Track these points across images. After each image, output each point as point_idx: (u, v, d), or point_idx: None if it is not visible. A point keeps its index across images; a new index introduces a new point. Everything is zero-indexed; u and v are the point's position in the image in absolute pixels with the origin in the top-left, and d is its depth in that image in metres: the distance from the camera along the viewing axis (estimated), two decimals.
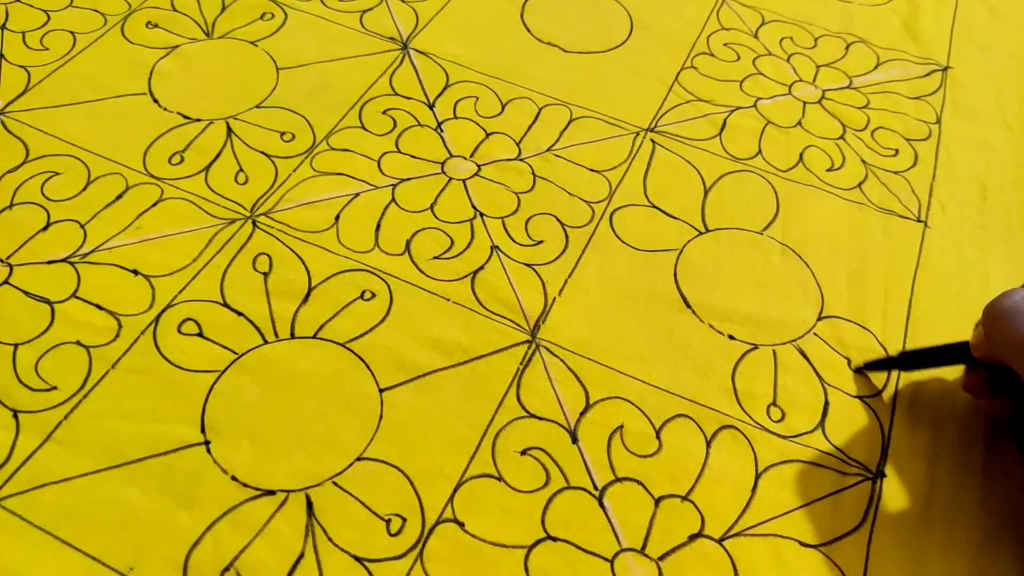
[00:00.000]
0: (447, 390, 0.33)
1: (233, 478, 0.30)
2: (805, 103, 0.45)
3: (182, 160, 0.39)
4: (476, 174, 0.40)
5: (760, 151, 0.43)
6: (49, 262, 0.35)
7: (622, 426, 0.32)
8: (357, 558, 0.28)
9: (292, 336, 0.34)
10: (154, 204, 0.37)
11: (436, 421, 0.32)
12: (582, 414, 0.32)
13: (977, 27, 0.51)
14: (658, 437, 0.32)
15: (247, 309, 0.34)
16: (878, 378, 0.34)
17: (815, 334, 0.35)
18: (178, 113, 0.41)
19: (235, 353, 0.33)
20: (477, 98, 0.43)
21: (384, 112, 0.42)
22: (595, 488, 0.30)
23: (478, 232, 0.38)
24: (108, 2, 0.46)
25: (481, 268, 0.36)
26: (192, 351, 0.33)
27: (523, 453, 0.31)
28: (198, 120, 0.41)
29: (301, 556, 0.28)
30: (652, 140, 0.42)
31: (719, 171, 0.41)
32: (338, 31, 0.46)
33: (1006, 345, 0.27)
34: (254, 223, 0.37)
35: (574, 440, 0.32)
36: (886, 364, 0.34)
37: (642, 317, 0.35)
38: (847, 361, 0.35)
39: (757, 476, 0.31)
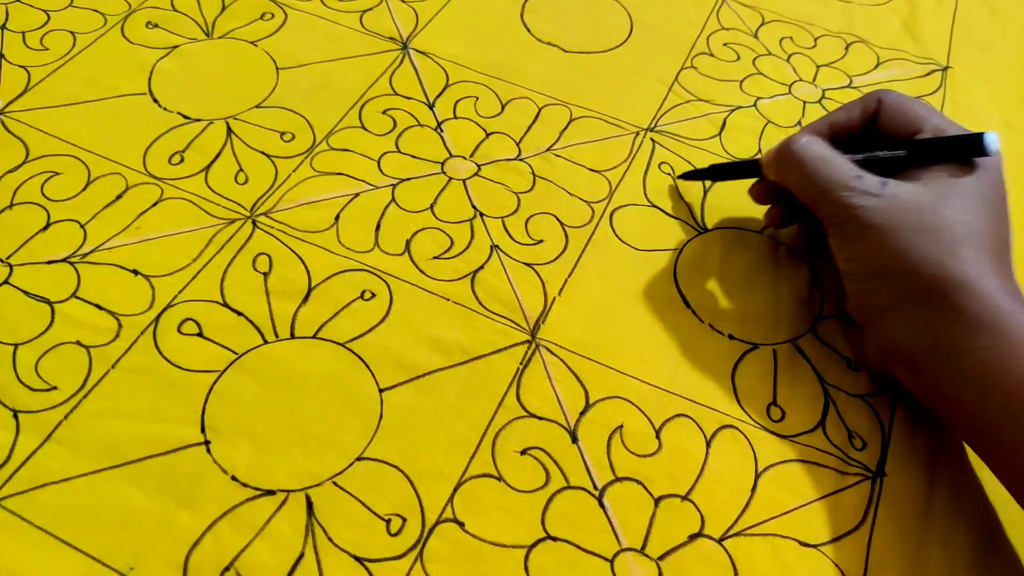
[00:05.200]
0: (447, 390, 0.33)
1: (233, 478, 0.30)
2: (805, 103, 0.45)
3: (182, 160, 0.39)
4: (476, 174, 0.40)
5: (760, 151, 0.43)
6: (49, 262, 0.35)
7: (622, 426, 0.32)
8: (357, 558, 0.28)
9: (292, 336, 0.34)
10: (154, 204, 0.37)
11: (436, 421, 0.32)
12: (582, 414, 0.32)
13: (977, 27, 0.51)
14: (658, 437, 0.32)
15: (247, 309, 0.34)
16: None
17: (815, 334, 0.36)
18: (178, 113, 0.41)
19: (235, 353, 0.33)
20: (477, 98, 0.43)
21: (384, 112, 0.42)
22: (595, 488, 0.30)
23: (478, 232, 0.38)
24: (108, 2, 0.46)
25: (481, 268, 0.36)
26: (192, 351, 0.33)
27: (523, 453, 0.31)
28: (198, 120, 0.41)
29: (301, 556, 0.28)
30: (652, 140, 0.42)
31: None
32: (338, 31, 0.46)
33: (792, 183, 0.34)
34: (254, 223, 0.37)
35: (574, 440, 0.32)
36: (699, 174, 0.40)
37: (642, 317, 0.35)
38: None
39: (757, 476, 0.31)
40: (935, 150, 0.32)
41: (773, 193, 0.37)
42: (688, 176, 0.40)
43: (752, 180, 0.38)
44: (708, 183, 0.41)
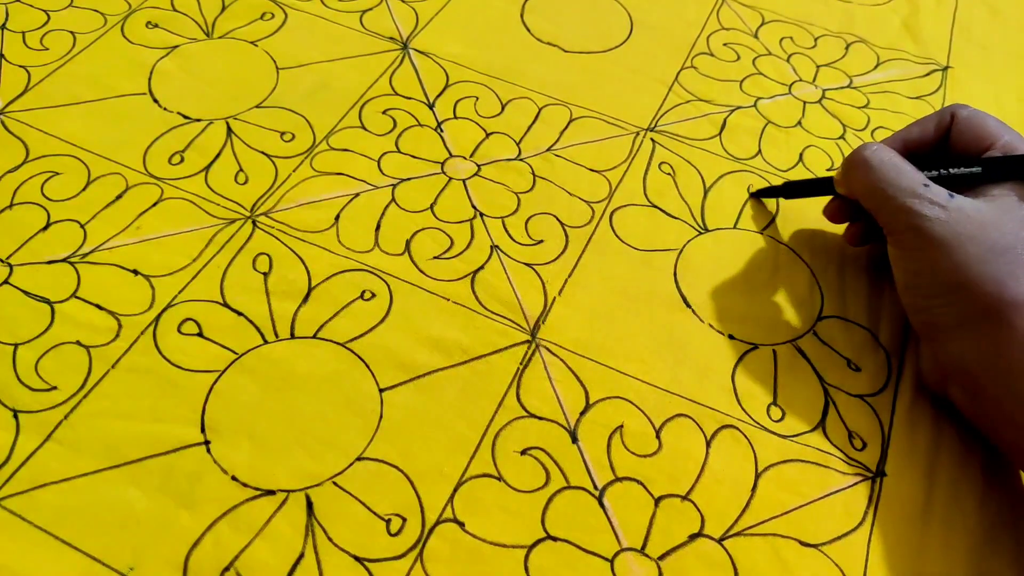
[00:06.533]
0: (447, 390, 0.33)
1: (233, 478, 0.30)
2: (805, 103, 0.45)
3: (182, 160, 0.39)
4: (476, 174, 0.40)
5: (760, 151, 0.43)
6: (49, 262, 0.35)
7: (622, 426, 0.32)
8: (357, 558, 0.28)
9: (292, 336, 0.34)
10: (154, 204, 0.37)
11: (436, 421, 0.32)
12: (582, 414, 0.32)
13: (977, 27, 0.51)
14: (658, 437, 0.32)
15: (247, 309, 0.34)
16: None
17: (815, 334, 0.36)
18: (178, 113, 0.41)
19: (235, 353, 0.33)
20: (477, 98, 0.43)
21: (384, 112, 0.42)
22: (595, 488, 0.31)
23: (478, 232, 0.38)
24: (108, 2, 0.46)
25: (481, 268, 0.36)
26: (192, 351, 0.33)
27: (523, 453, 0.31)
28: (198, 120, 0.41)
29: (301, 556, 0.28)
30: (652, 140, 0.42)
31: (719, 171, 0.41)
32: (338, 31, 0.46)
33: (859, 188, 0.33)
34: (254, 223, 0.37)
35: (574, 440, 0.32)
36: (773, 192, 0.40)
37: (642, 317, 0.35)
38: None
39: (757, 476, 0.31)
40: (1011, 168, 0.31)
41: (848, 211, 0.36)
42: (761, 193, 0.40)
43: (826, 198, 0.37)
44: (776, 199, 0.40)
